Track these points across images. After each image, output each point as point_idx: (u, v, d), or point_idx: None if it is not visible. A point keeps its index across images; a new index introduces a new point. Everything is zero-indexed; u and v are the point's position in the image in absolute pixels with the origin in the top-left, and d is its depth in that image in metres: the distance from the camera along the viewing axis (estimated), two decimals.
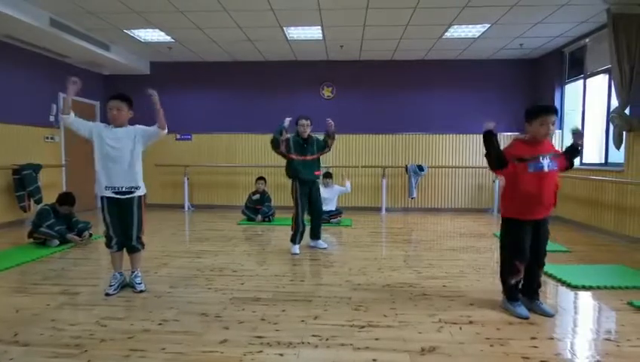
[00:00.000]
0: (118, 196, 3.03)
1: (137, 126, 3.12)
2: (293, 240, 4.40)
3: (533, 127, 2.63)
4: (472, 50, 6.95)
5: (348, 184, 6.47)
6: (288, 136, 4.34)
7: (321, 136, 4.48)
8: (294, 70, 7.79)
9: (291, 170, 4.36)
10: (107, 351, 2.21)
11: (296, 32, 6.15)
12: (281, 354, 2.17)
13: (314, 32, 6.12)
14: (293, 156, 4.32)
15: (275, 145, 4.31)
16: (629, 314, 2.74)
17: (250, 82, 7.86)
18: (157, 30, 6.04)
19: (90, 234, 4.89)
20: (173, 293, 3.12)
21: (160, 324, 2.55)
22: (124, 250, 3.20)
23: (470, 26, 5.80)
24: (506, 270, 2.76)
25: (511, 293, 2.77)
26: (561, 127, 6.83)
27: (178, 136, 7.99)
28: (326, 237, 4.95)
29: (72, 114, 3.01)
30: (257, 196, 6.61)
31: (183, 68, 7.93)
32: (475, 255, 4.40)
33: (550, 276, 3.51)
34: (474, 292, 3.16)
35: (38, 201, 5.94)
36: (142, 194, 3.14)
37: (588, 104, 6.21)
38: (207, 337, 2.37)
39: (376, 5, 5.04)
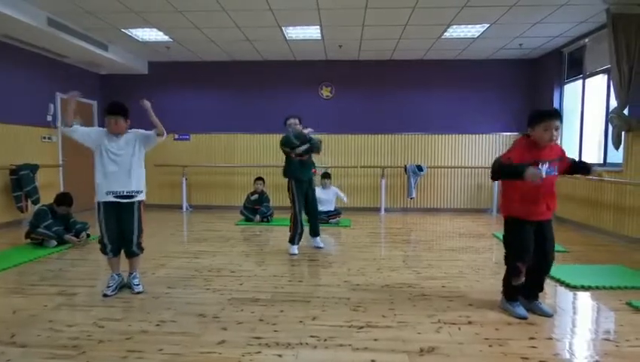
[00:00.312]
0: (119, 200, 3.03)
1: (137, 131, 3.14)
2: (292, 241, 4.40)
3: (536, 132, 2.53)
4: (471, 50, 6.95)
5: (345, 197, 6.51)
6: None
7: (315, 136, 4.50)
8: (293, 70, 7.77)
9: (291, 170, 4.38)
10: (105, 352, 2.20)
11: (294, 32, 6.13)
12: (280, 355, 2.17)
13: (312, 32, 6.11)
14: (295, 155, 4.35)
15: (291, 145, 4.34)
16: (627, 315, 2.74)
17: (249, 82, 7.84)
18: (155, 30, 6.02)
19: (88, 235, 4.88)
20: (171, 294, 3.11)
21: (158, 325, 2.54)
22: (123, 253, 3.20)
23: (469, 25, 5.80)
24: (508, 271, 2.74)
25: (510, 294, 2.76)
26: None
27: (176, 137, 7.95)
28: (325, 237, 4.94)
29: (76, 126, 3.03)
30: (256, 196, 6.60)
31: (181, 68, 7.90)
32: (474, 255, 4.39)
33: (549, 276, 3.49)
34: (473, 293, 3.15)
35: (35, 202, 5.91)
36: (142, 199, 3.15)
37: (587, 104, 6.21)
38: (205, 338, 2.37)
39: (375, 5, 5.03)
